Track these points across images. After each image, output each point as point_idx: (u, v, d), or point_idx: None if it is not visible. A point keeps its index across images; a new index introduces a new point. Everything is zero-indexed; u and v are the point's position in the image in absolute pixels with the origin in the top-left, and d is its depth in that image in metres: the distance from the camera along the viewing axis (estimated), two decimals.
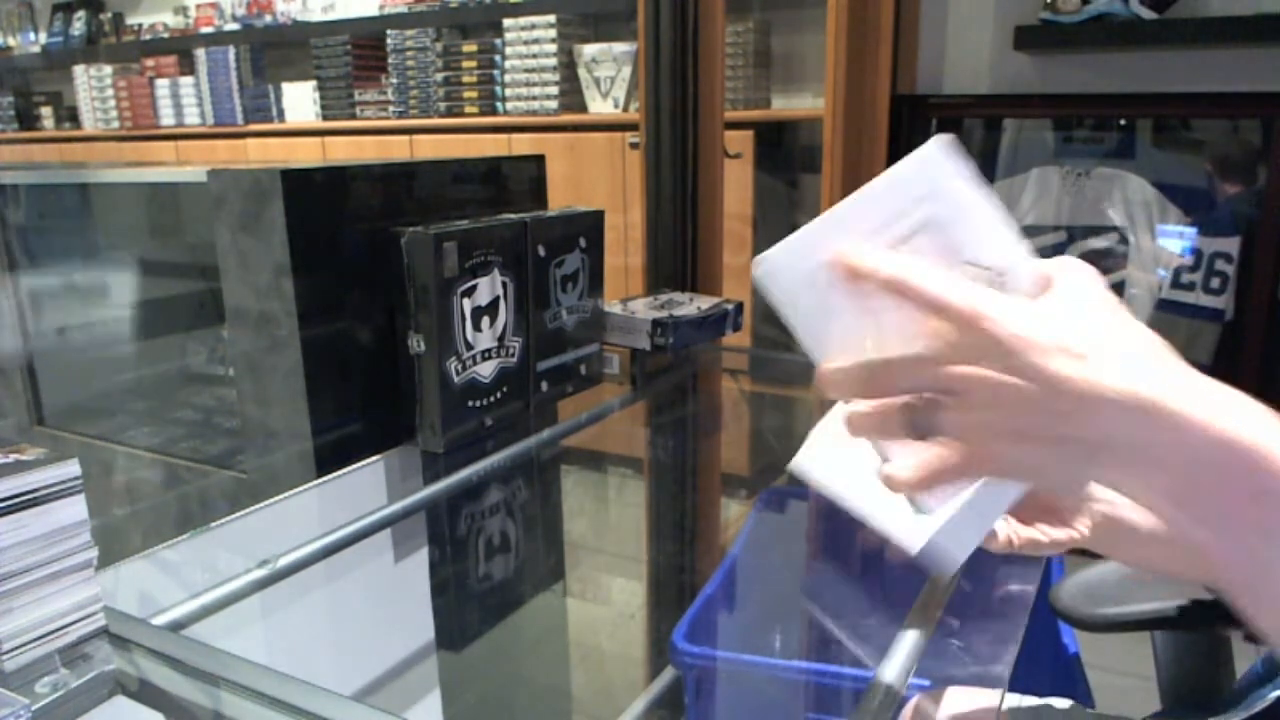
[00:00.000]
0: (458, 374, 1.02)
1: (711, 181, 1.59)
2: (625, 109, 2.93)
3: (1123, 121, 2.09)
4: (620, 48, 2.91)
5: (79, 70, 4.36)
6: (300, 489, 0.94)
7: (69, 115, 4.59)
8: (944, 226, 0.46)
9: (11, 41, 4.76)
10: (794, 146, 2.77)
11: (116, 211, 1.49)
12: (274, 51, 3.96)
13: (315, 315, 0.95)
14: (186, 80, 4.03)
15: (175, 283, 1.48)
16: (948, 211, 0.46)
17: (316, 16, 3.68)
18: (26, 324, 1.44)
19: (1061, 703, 0.86)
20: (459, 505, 1.05)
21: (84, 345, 1.52)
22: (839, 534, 1.23)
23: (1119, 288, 2.09)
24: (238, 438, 1.07)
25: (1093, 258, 2.11)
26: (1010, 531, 0.59)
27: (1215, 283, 1.97)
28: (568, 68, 3.03)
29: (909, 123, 2.21)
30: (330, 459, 0.98)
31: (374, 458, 1.02)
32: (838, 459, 0.60)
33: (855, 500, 0.58)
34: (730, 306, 1.37)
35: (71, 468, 0.58)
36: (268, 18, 3.81)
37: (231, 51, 3.87)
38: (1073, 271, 0.45)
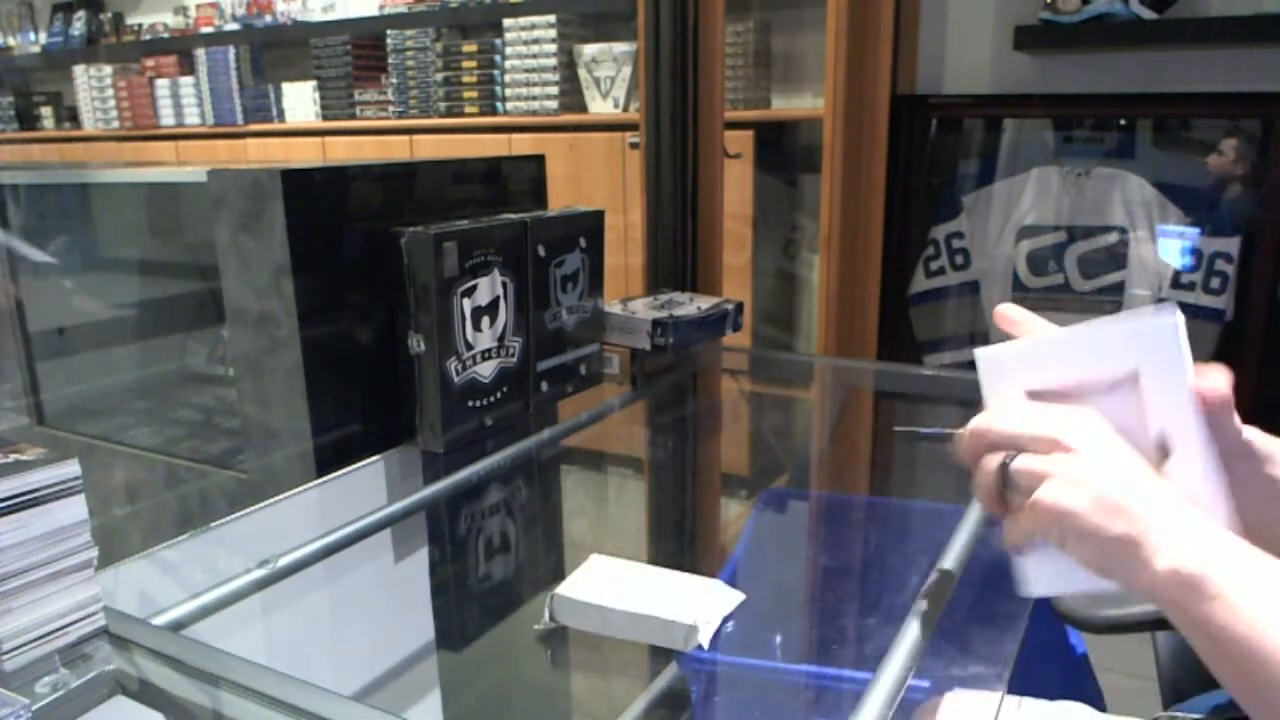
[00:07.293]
0: (458, 374, 1.02)
1: (711, 181, 1.59)
2: (625, 109, 2.93)
3: (1123, 121, 2.09)
4: (620, 48, 2.91)
5: (79, 70, 4.36)
6: (300, 489, 0.94)
7: (69, 115, 4.59)
8: (1146, 392, 0.54)
9: (11, 41, 4.76)
10: (794, 146, 2.77)
11: (117, 211, 1.49)
12: (274, 51, 3.96)
13: (315, 315, 0.95)
14: (186, 80, 4.02)
15: (175, 282, 1.48)
16: (1156, 387, 0.54)
17: (316, 16, 3.68)
18: (27, 324, 1.44)
19: (1070, 705, 0.86)
20: (459, 505, 1.05)
21: (84, 345, 1.52)
22: (839, 535, 1.23)
23: (1119, 288, 2.09)
24: (238, 438, 1.07)
25: (1092, 258, 2.11)
26: None
27: (1215, 283, 1.97)
28: (568, 68, 3.03)
29: (909, 123, 2.21)
30: (330, 459, 0.98)
31: (374, 458, 1.02)
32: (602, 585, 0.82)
33: (627, 605, 0.78)
34: (730, 306, 1.37)
35: (71, 468, 0.58)
36: (268, 18, 3.81)
37: (231, 51, 3.87)
38: None
